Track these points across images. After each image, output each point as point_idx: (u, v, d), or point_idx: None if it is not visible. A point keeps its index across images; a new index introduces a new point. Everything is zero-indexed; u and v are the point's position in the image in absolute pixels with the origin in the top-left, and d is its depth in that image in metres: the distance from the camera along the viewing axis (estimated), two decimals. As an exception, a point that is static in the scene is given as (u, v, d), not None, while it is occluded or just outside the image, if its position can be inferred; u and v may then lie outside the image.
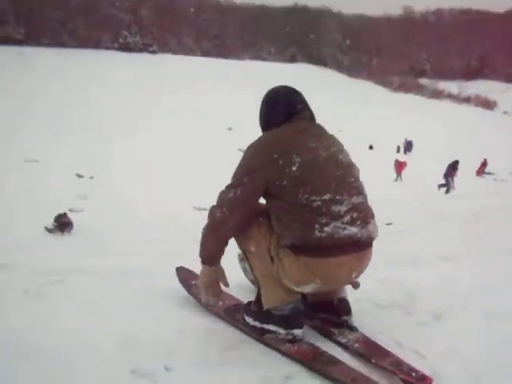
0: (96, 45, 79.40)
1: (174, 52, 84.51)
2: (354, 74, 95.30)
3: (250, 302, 3.43)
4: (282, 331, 3.18)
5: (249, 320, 3.33)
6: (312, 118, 3.47)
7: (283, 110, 3.36)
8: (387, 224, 8.28)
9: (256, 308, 3.33)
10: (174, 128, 41.79)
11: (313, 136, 3.25)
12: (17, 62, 59.73)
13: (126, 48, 78.34)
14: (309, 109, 3.48)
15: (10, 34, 72.29)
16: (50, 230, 21.40)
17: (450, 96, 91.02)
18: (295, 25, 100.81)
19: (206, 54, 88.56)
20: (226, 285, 3.39)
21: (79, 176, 29.99)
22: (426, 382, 2.75)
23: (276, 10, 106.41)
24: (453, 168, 27.45)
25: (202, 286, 3.40)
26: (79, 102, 47.29)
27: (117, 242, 13.49)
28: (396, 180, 33.62)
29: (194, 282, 3.80)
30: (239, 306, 3.53)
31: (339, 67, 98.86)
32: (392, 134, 50.10)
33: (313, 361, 2.96)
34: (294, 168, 3.02)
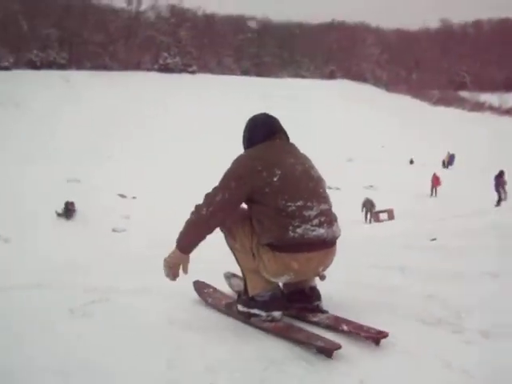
0: (136, 67, 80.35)
1: (214, 72, 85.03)
2: (392, 89, 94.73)
3: (239, 294, 4.11)
4: (263, 314, 3.80)
5: (239, 307, 3.96)
6: (287, 138, 4.12)
7: (263, 131, 4.00)
8: (431, 240, 8.16)
9: (244, 297, 3.97)
10: (214, 147, 41.96)
11: (289, 153, 3.92)
12: (61, 85, 60.72)
13: (166, 69, 79.03)
14: (284, 132, 4.12)
15: (54, 59, 73.55)
16: (59, 214, 25.82)
17: (491, 108, 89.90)
18: (333, 41, 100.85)
19: (245, 73, 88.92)
20: (185, 271, 3.92)
21: (122, 196, 30.26)
22: (383, 335, 3.37)
23: (313, 26, 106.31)
24: (500, 178, 27.15)
25: (166, 265, 3.96)
26: (121, 123, 47.84)
27: (159, 262, 13.33)
28: (432, 195, 33.47)
29: (205, 291, 4.47)
30: (234, 301, 4.13)
31: (378, 82, 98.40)
32: (433, 149, 49.64)
33: (286, 332, 3.61)
34: (275, 179, 3.66)
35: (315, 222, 3.69)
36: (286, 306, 3.93)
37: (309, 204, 3.70)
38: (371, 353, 3.37)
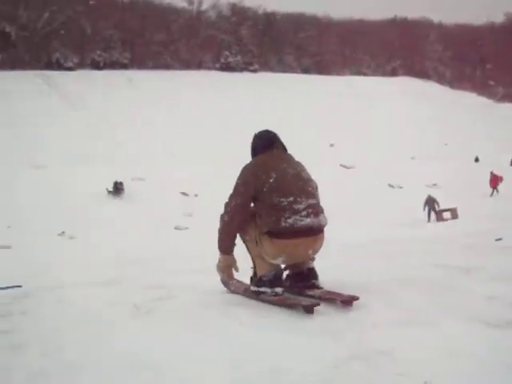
0: (198, 66, 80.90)
1: (275, 70, 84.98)
2: (457, 86, 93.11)
3: (251, 278, 4.96)
4: (268, 290, 4.67)
5: (252, 288, 4.85)
6: (284, 149, 5.14)
7: (263, 144, 5.03)
8: (496, 240, 8.01)
9: (255, 279, 4.86)
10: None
11: (284, 160, 4.90)
12: (124, 85, 61.56)
13: (228, 68, 79.33)
14: (281, 143, 5.14)
15: (117, 59, 74.64)
16: (109, 192, 28.75)
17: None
18: (395, 38, 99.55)
19: (306, 71, 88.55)
20: (237, 269, 4.97)
21: (184, 194, 30.57)
22: (354, 298, 4.34)
23: (375, 23, 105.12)
24: None
25: (219, 270, 5.07)
26: (182, 122, 48.21)
27: (213, 259, 13.48)
28: (491, 195, 32.67)
29: (230, 282, 5.26)
30: (248, 285, 5.03)
31: (441, 79, 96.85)
32: (499, 146, 48.59)
33: (284, 301, 4.61)
34: (271, 180, 4.60)
35: (303, 213, 4.60)
36: (289, 287, 4.86)
37: (298, 199, 4.61)
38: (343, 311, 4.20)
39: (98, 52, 74.57)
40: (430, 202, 27.58)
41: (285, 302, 4.63)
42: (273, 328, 4.04)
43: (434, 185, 34.95)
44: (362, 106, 60.51)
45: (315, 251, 4.80)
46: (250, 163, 4.95)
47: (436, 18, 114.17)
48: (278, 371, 3.28)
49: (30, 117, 45.16)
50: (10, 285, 13.82)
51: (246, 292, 5.02)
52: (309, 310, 4.33)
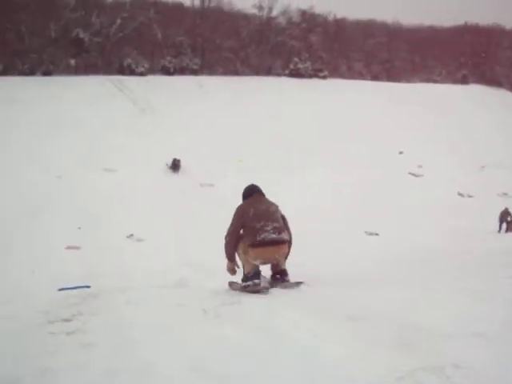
0: (267, 72, 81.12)
1: (344, 77, 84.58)
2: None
3: (242, 278, 7.92)
4: (250, 283, 7.52)
5: (241, 283, 7.80)
6: (262, 194, 8.52)
7: (248, 193, 8.51)
8: None
9: (243, 276, 7.89)
10: (346, 152, 41.72)
11: (259, 202, 8.21)
12: (195, 90, 62.17)
13: (297, 74, 79.24)
14: (260, 191, 8.53)
15: (187, 65, 75.42)
16: (169, 168, 34.28)
17: None
18: (466, 45, 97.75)
19: (375, 77, 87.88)
20: (238, 267, 8.19)
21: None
22: (301, 282, 7.61)
23: (445, 30, 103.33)
24: None
25: (227, 270, 8.25)
26: (252, 128, 48.35)
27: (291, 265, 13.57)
28: None
29: (232, 284, 8.28)
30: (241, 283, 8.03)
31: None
32: None
33: (259, 291, 7.40)
34: (250, 214, 7.83)
35: (270, 231, 7.74)
36: (269, 282, 7.97)
37: (267, 223, 7.79)
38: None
39: (169, 58, 75.45)
40: (504, 214, 26.97)
41: (254, 290, 7.47)
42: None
43: (505, 194, 34.21)
44: (431, 114, 59.56)
45: (280, 255, 7.97)
46: (241, 205, 8.41)
47: (508, 24, 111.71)
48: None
49: (102, 120, 45.98)
50: (79, 285, 14.06)
51: (240, 289, 7.83)
52: (262, 291, 7.45)
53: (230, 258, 8.15)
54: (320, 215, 27.93)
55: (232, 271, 8.31)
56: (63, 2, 75.34)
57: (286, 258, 8.18)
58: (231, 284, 8.24)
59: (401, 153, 46.48)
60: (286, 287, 7.55)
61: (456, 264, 9.52)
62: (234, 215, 8.15)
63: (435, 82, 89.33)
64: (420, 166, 41.96)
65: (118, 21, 73.57)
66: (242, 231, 8.02)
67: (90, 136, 41.48)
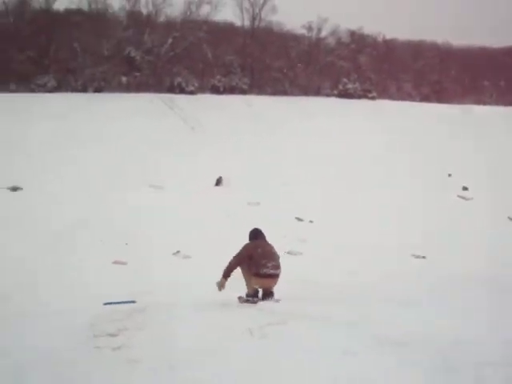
0: (316, 92, 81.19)
1: (393, 98, 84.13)
2: None
3: (246, 294, 11.22)
4: (250, 299, 10.88)
5: (245, 298, 11.03)
6: (264, 237, 12.26)
7: (253, 236, 12.29)
8: None
9: (246, 294, 11.21)
10: (393, 173, 41.41)
11: (265, 244, 11.85)
12: (243, 109, 62.51)
13: (346, 95, 79.14)
14: (262, 234, 12.34)
15: (236, 84, 75.88)
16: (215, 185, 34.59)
17: None
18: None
19: (425, 99, 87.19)
20: (224, 287, 11.05)
21: (299, 219, 30.56)
22: (277, 301, 10.83)
23: (497, 50, 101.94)
24: None
25: (217, 284, 11.08)
26: (298, 147, 48.37)
27: (334, 288, 13.69)
28: None
29: (240, 298, 11.18)
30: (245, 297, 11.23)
31: None
32: None
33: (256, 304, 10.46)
34: (259, 251, 11.32)
35: (270, 267, 11.02)
36: (261, 298, 10.89)
37: (269, 261, 11.09)
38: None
39: (218, 77, 76.04)
40: None
41: (252, 303, 10.54)
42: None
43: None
44: (481, 136, 58.81)
45: (274, 284, 11.16)
46: (249, 244, 11.79)
47: None
48: None
49: (152, 138, 46.51)
50: (125, 300, 14.16)
51: (244, 301, 10.90)
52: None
53: (225, 276, 11.10)
54: (367, 235, 27.72)
55: (221, 287, 11.02)
56: (116, 20, 76.88)
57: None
58: (240, 298, 11.24)
59: (450, 175, 45.97)
60: (273, 301, 10.66)
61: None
62: (242, 249, 11.56)
63: (486, 103, 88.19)
64: (466, 189, 41.34)
65: (170, 40, 74.49)
66: (248, 262, 11.20)
67: (138, 153, 41.96)
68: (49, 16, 72.67)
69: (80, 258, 22.61)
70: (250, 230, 12.52)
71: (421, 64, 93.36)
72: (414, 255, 25.32)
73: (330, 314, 6.36)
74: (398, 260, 23.98)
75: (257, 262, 11.03)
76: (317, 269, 21.66)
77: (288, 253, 24.89)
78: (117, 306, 12.53)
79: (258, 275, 11.00)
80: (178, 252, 24.09)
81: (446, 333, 5.25)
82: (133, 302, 13.29)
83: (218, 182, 37.57)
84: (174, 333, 5.36)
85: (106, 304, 13.15)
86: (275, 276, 11.18)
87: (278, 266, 11.29)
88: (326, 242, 26.43)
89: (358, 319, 6.52)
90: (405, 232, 28.86)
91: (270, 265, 11.07)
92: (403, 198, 35.82)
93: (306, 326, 4.88)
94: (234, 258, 11.29)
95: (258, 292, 11.15)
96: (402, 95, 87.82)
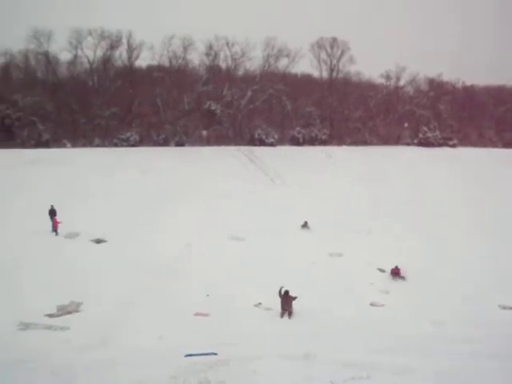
0: (396, 141, 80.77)
1: (475, 145, 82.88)
2: None
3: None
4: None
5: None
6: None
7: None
8: None
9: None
10: (478, 222, 40.58)
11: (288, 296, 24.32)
12: (323, 161, 62.86)
13: (426, 143, 78.51)
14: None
15: (316, 135, 76.22)
16: (302, 227, 36.38)
17: None
18: None
19: (508, 145, 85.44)
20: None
21: (381, 270, 30.36)
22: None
23: None
24: None
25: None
26: (380, 196, 48.08)
27: (413, 339, 13.41)
28: None
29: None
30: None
31: None
32: None
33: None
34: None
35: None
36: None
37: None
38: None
39: (298, 128, 76.60)
40: None
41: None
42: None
43: None
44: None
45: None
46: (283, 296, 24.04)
47: None
48: None
49: (233, 189, 47.15)
50: (206, 351, 14.38)
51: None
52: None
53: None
54: (456, 286, 27.37)
55: None
56: (196, 75, 78.73)
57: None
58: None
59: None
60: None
61: None
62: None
63: None
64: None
65: (249, 93, 75.73)
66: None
67: (219, 204, 42.49)
68: (131, 73, 75.27)
69: (162, 308, 23.13)
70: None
71: (502, 109, 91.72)
72: (500, 305, 24.86)
73: (416, 366, 6.34)
74: (483, 309, 23.64)
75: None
76: (404, 319, 21.60)
77: (371, 304, 24.79)
78: (198, 357, 12.74)
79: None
80: (259, 304, 24.35)
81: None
82: (214, 353, 13.46)
83: (305, 226, 38.55)
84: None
85: (187, 356, 13.37)
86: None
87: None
88: (412, 294, 26.29)
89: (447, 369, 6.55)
90: (491, 282, 28.36)
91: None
92: (484, 247, 35.12)
93: (391, 381, 4.93)
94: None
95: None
96: (483, 142, 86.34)
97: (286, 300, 23.65)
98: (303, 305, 23.62)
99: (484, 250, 34.47)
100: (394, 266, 30.81)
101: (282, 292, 23.64)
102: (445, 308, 23.97)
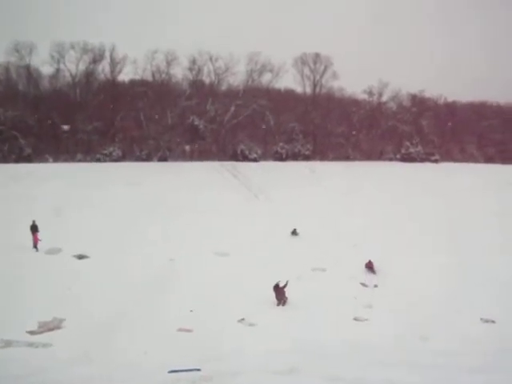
0: (378, 156, 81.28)
1: (456, 160, 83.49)
2: None
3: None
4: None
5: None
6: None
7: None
8: None
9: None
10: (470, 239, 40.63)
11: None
12: (306, 176, 63.04)
13: (409, 158, 79.12)
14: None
15: (299, 151, 76.52)
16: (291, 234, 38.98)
17: None
18: None
19: (489, 160, 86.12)
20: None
21: (363, 285, 30.42)
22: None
23: None
24: None
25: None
26: (365, 212, 48.19)
27: (404, 353, 13.43)
28: None
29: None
30: None
31: None
32: None
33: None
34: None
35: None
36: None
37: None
38: None
39: (281, 144, 76.84)
40: None
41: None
42: None
43: None
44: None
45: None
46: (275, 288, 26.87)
47: None
48: None
49: (217, 206, 47.17)
50: (189, 367, 14.24)
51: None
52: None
53: None
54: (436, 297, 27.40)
55: None
56: (179, 90, 78.83)
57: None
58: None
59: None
60: None
61: None
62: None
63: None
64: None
65: (232, 108, 75.90)
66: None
67: (202, 220, 42.43)
68: (114, 87, 75.23)
69: (146, 324, 22.95)
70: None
71: (484, 124, 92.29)
72: (482, 319, 24.89)
73: (400, 381, 6.33)
74: (465, 322, 23.68)
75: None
76: (387, 333, 21.57)
77: (354, 319, 24.75)
78: (181, 374, 12.61)
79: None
80: (242, 319, 24.20)
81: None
82: (198, 369, 13.34)
83: (294, 233, 40.48)
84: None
85: (170, 372, 13.24)
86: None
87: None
88: (394, 308, 26.26)
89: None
90: (470, 294, 28.43)
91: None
92: (478, 260, 35.19)
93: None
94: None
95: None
96: (465, 157, 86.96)
97: (278, 291, 26.60)
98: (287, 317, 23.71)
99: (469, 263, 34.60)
100: (367, 261, 32.90)
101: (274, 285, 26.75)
102: (429, 321, 23.96)
